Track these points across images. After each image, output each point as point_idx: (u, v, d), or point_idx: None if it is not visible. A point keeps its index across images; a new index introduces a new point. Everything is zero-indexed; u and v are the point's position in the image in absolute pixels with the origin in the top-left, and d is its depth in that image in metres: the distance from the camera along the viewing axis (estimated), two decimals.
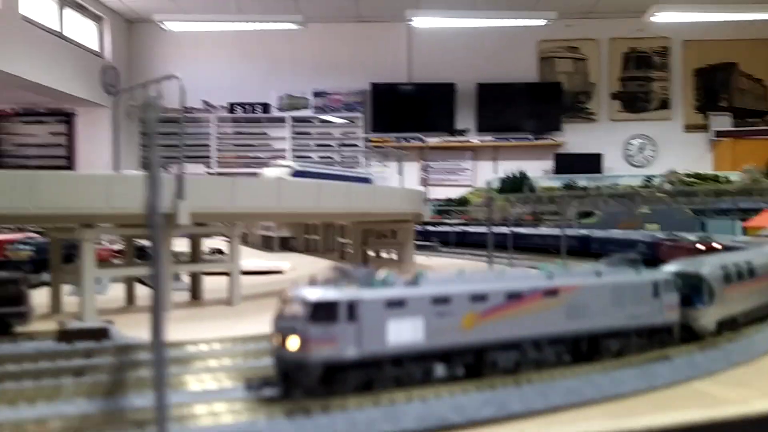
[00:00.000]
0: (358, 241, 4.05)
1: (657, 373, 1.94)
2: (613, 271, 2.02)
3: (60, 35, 14.99)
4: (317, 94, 17.82)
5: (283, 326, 1.46)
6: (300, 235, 7.48)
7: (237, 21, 14.21)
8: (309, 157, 16.63)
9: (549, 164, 17.22)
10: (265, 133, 17.83)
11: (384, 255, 5.87)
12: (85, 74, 15.95)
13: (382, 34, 17.63)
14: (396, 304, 1.50)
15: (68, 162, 17.27)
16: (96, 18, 16.66)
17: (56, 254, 3.39)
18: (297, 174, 5.04)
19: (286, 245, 7.45)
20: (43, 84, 14.14)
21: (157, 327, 1.24)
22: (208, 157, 17.54)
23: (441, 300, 1.55)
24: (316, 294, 1.46)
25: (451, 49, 17.31)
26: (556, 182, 14.04)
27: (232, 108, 17.77)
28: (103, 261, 4.23)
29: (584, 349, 1.89)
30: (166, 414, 1.24)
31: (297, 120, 17.65)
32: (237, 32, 16.23)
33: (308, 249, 7.33)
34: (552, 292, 1.76)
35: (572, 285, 1.81)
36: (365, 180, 5.14)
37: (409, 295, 1.53)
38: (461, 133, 17.60)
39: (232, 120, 17.82)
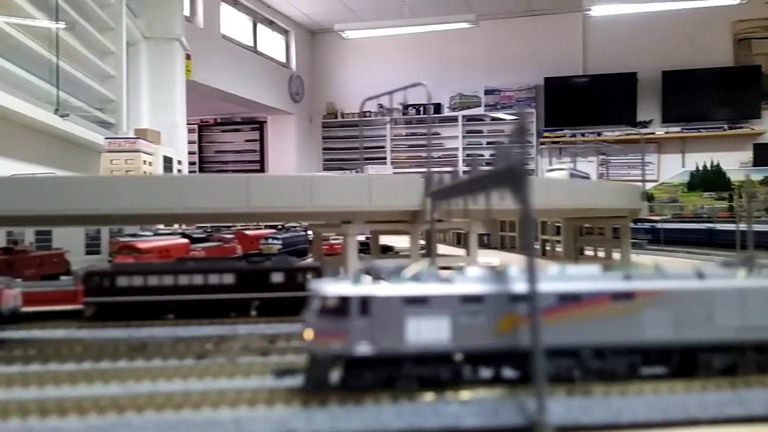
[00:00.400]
0: (570, 238, 3.97)
1: (748, 400, 1.53)
2: (725, 273, 1.67)
3: (254, 50, 16.48)
4: (488, 92, 17.78)
5: (307, 319, 1.47)
6: (495, 232, 7.52)
7: (410, 25, 14.61)
8: (482, 156, 16.64)
9: (746, 155, 15.63)
10: (437, 133, 18.15)
11: (592, 253, 5.66)
12: (275, 84, 17.36)
13: (556, 26, 17.15)
14: (417, 302, 1.43)
15: (260, 165, 18.88)
16: (283, 31, 18.07)
17: (318, 245, 3.75)
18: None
19: (480, 242, 7.47)
20: (240, 95, 15.63)
21: (534, 325, 1.33)
22: (384, 158, 18.24)
23: (472, 299, 1.46)
24: (329, 288, 1.43)
25: (632, 36, 16.37)
26: (757, 175, 12.71)
27: (405, 110, 18.31)
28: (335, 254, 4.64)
29: (676, 363, 1.62)
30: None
31: (468, 119, 17.75)
32: (409, 35, 16.68)
33: (503, 246, 7.35)
34: (625, 296, 1.55)
35: (655, 289, 1.57)
36: (585, 176, 4.98)
37: (433, 293, 1.45)
38: (644, 124, 16.58)
39: (403, 122, 18.36)
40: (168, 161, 5.14)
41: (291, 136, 18.61)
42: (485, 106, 17.78)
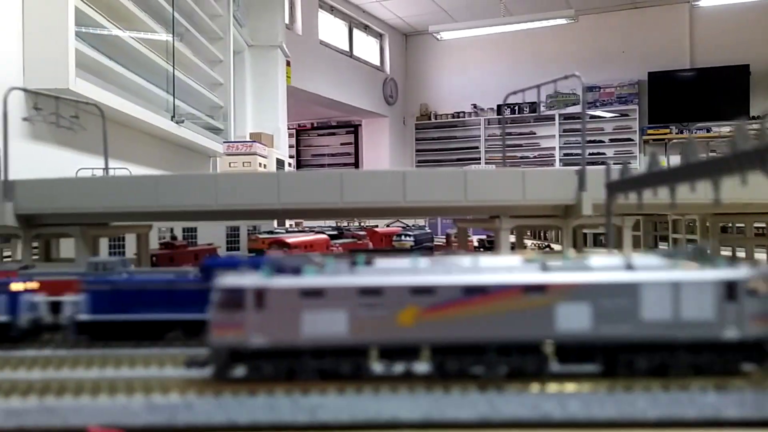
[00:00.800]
0: (715, 235, 3.73)
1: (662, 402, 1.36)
2: (661, 265, 1.49)
3: (349, 54, 16.81)
4: (587, 89, 17.23)
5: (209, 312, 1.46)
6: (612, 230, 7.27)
7: (507, 23, 14.41)
8: (579, 155, 16.15)
9: None
10: (533, 133, 17.79)
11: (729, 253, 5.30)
12: (370, 88, 17.62)
13: (660, 19, 16.38)
14: (312, 294, 1.40)
15: (355, 168, 19.22)
16: (378, 35, 18.31)
17: (464, 240, 3.81)
18: None
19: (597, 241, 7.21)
20: (336, 99, 15.98)
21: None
22: (478, 159, 18.09)
23: (370, 291, 1.41)
24: (226, 281, 1.42)
25: (743, 27, 15.37)
26: None
27: (500, 110, 18.08)
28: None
29: (602, 362, 1.48)
30: None
31: (566, 117, 17.29)
32: (503, 34, 16.46)
33: (620, 245, 7.07)
34: (536, 289, 1.44)
35: (569, 282, 1.44)
36: None
37: (329, 285, 1.41)
38: (759, 119, 15.52)
39: (498, 122, 18.13)
40: (280, 163, 5.35)
41: (385, 138, 18.83)
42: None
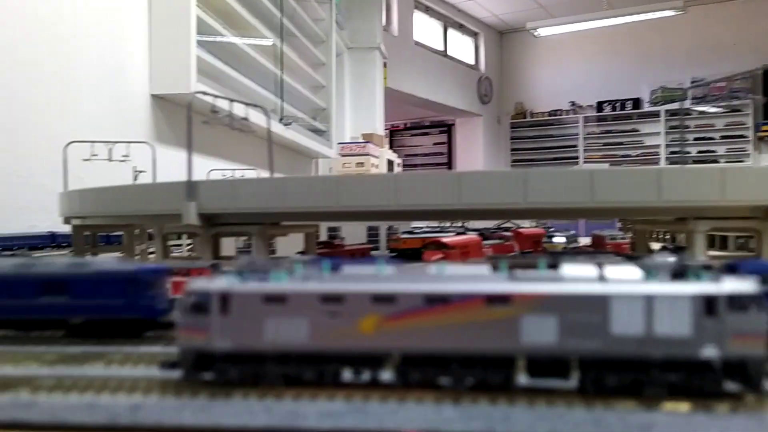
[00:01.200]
0: None
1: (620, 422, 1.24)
2: (636, 278, 1.37)
3: (444, 54, 16.75)
4: (695, 83, 16.32)
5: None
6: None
7: (610, 17, 13.88)
8: (688, 153, 15.35)
9: None
10: (635, 130, 17.07)
11: None
12: (464, 87, 17.49)
13: None
14: (276, 300, 1.40)
15: (448, 168, 19.14)
16: (473, 34, 18.15)
17: (644, 243, 3.69)
18: None
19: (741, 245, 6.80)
20: (430, 99, 15.98)
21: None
22: (576, 157, 17.56)
23: (332, 298, 1.39)
24: (195, 284, 1.42)
25: None
26: None
27: (600, 106, 17.47)
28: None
29: (573, 377, 1.38)
30: None
31: (672, 113, 16.46)
32: (603, 28, 15.89)
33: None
34: (501, 300, 1.37)
35: (536, 293, 1.36)
36: None
37: (292, 291, 1.40)
38: None
39: (598, 119, 17.52)
40: (390, 163, 5.39)
41: (479, 137, 18.64)
42: (692, 99, 16.35)
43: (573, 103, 17.93)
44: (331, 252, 3.25)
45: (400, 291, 1.39)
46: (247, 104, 3.64)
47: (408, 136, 20.10)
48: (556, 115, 18.22)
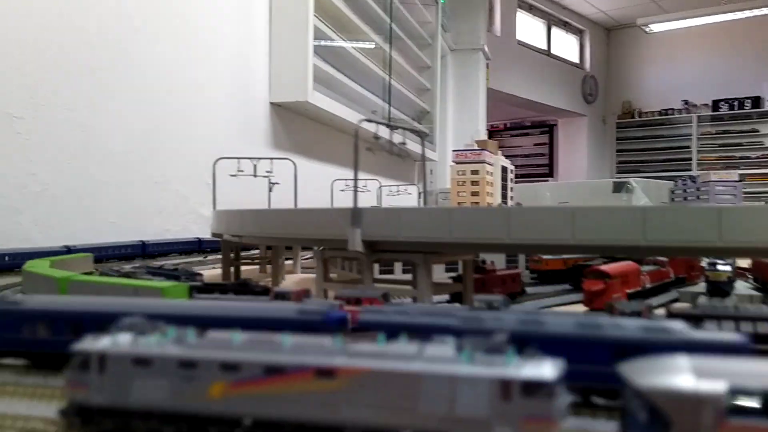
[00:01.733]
0: None
1: None
2: (451, 357, 1.42)
3: (547, 53, 16.37)
4: None
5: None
6: None
7: (730, 11, 13.06)
8: None
9: None
10: (755, 131, 15.96)
11: None
12: (567, 86, 17.01)
13: None
14: (141, 362, 1.55)
15: (549, 169, 18.68)
16: (578, 32, 17.61)
17: None
18: None
19: None
20: (532, 100, 15.66)
21: None
22: (688, 159, 16.66)
23: (187, 364, 1.53)
24: (81, 344, 1.58)
25: None
26: None
27: (716, 105, 16.48)
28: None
29: None
30: None
31: None
32: (720, 24, 14.95)
33: None
34: (326, 373, 1.45)
35: (355, 367, 1.43)
36: None
37: (155, 355, 1.54)
38: None
39: (713, 118, 16.52)
40: (504, 170, 5.34)
41: (582, 138, 18.07)
42: None
43: (686, 102, 17.01)
44: (484, 278, 3.25)
45: (243, 360, 1.53)
46: (404, 129, 3.72)
47: (508, 136, 19.77)
48: (667, 115, 17.35)
